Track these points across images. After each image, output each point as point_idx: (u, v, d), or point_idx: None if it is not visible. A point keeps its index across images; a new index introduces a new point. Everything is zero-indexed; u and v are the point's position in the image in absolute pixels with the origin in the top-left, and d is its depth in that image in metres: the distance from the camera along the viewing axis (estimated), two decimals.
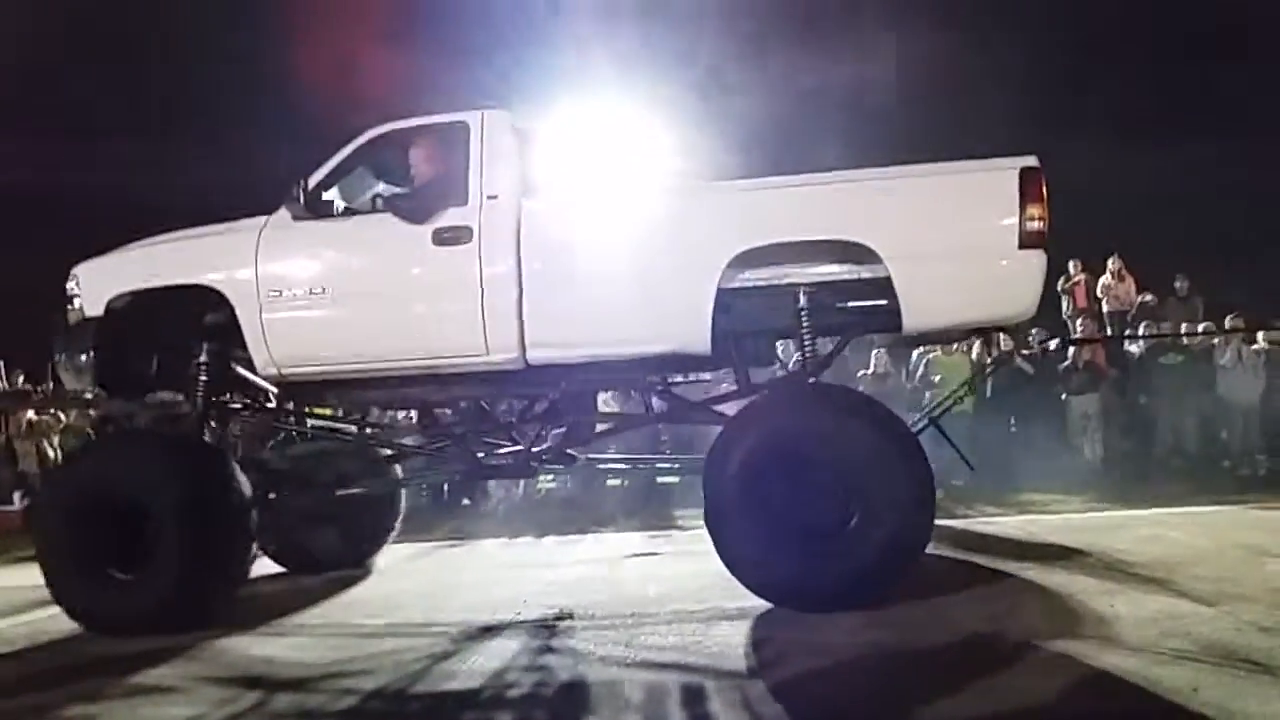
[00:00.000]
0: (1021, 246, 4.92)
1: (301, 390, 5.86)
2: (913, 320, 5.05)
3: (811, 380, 5.35)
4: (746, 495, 4.81)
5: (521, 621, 5.07)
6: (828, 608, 4.70)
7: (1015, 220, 4.91)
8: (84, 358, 5.74)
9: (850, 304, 5.34)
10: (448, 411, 6.84)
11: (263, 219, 5.60)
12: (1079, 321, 12.06)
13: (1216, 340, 10.69)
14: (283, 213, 5.53)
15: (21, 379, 12.76)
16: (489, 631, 4.90)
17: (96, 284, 5.77)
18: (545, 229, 5.31)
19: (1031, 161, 4.97)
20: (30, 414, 11.97)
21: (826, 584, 4.73)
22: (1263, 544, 6.02)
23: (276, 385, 5.77)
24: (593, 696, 3.78)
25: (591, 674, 4.07)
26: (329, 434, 6.58)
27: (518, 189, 5.39)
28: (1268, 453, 10.24)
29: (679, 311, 5.15)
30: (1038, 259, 4.95)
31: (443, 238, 5.33)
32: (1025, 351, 8.83)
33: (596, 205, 5.41)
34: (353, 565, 7.02)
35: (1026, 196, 4.91)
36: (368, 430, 7.14)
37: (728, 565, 4.92)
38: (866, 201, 5.11)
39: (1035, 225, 4.92)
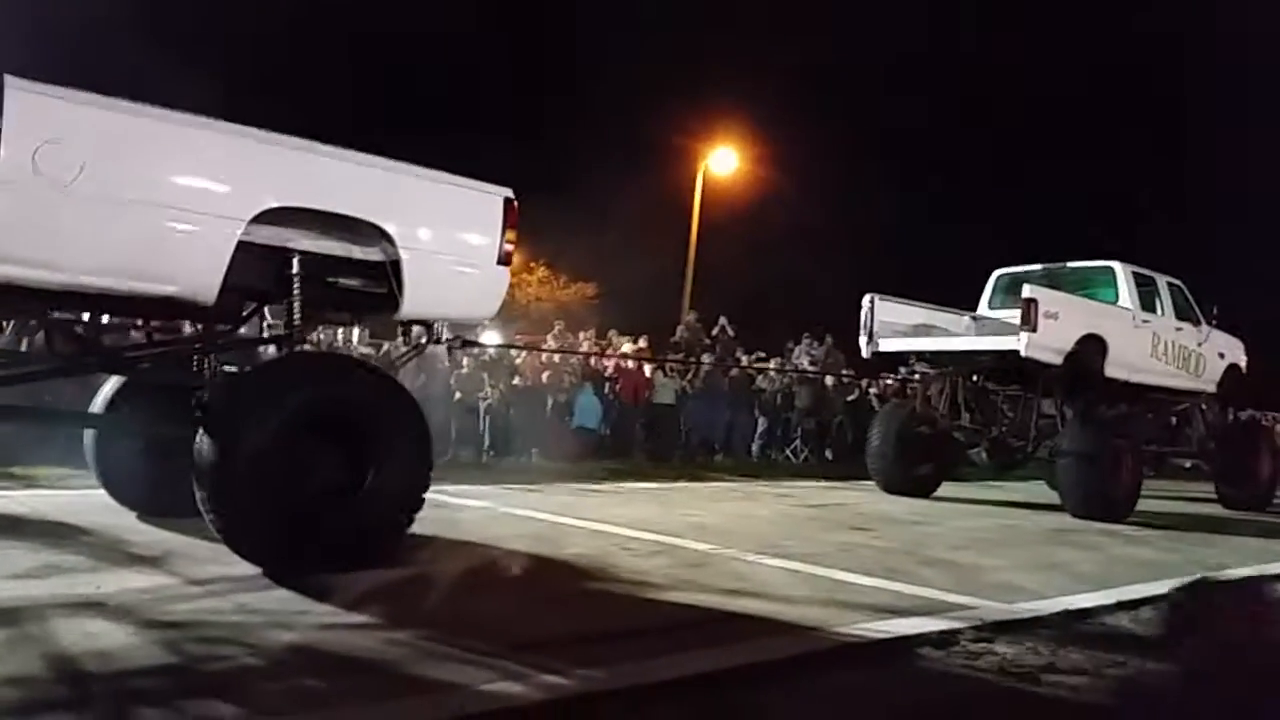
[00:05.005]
0: (499, 262, 5.87)
1: None
2: (409, 308, 5.56)
3: (297, 349, 5.40)
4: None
5: None
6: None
7: (498, 239, 5.84)
8: None
9: (349, 282, 5.58)
10: None
11: None
12: None
13: None
14: None
15: None
16: None
17: None
18: (42, 121, 4.38)
19: (511, 193, 5.95)
20: None
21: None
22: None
23: None
24: None
25: None
26: None
27: None
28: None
29: (195, 256, 4.81)
30: (506, 275, 5.95)
31: None
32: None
33: (117, 113, 4.63)
34: None
35: (508, 221, 5.89)
36: None
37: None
38: (393, 189, 5.47)
39: (510, 247, 5.92)
